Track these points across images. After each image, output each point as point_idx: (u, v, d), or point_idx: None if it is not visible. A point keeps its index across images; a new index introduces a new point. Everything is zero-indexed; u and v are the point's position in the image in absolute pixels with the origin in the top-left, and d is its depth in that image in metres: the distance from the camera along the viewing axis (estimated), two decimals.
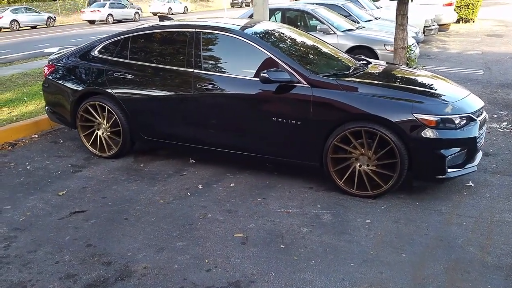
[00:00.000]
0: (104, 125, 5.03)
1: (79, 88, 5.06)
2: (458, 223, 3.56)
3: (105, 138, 5.06)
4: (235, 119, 4.38)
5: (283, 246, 3.24)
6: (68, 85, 5.15)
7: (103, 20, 30.39)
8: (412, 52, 8.86)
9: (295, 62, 4.19)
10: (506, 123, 6.27)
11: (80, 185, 4.41)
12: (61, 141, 5.77)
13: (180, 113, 4.58)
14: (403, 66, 6.80)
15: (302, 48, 4.91)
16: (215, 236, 3.39)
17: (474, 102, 4.20)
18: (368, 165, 3.97)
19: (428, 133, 3.72)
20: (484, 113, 4.28)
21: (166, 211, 3.80)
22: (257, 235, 3.39)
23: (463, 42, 15.16)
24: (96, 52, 5.09)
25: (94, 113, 5.04)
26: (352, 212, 3.75)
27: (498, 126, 6.13)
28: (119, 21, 31.10)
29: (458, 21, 19.81)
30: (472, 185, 4.27)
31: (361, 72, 4.52)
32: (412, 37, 10.33)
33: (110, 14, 30.47)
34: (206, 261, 3.08)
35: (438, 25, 15.63)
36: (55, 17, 31.21)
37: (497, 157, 5.00)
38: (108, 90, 4.87)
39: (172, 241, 3.34)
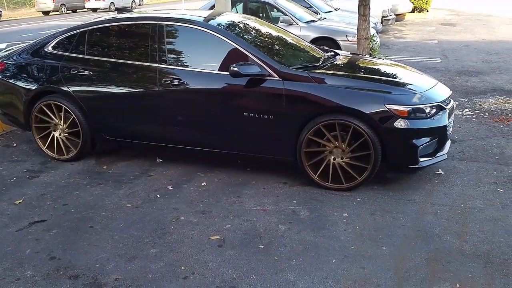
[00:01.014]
0: (61, 126, 4.73)
1: (32, 87, 4.72)
2: (433, 212, 3.56)
3: (62, 140, 4.76)
4: (204, 115, 4.21)
5: (262, 247, 3.13)
6: (20, 84, 4.80)
7: (106, 8, 29.93)
8: (375, 42, 8.94)
9: (265, 54, 4.06)
10: (467, 110, 6.42)
11: (38, 192, 4.12)
12: (15, 145, 5.40)
13: (145, 110, 4.35)
14: (367, 56, 6.83)
15: (270, 40, 4.78)
16: (190, 240, 3.23)
17: (442, 91, 4.22)
18: (342, 158, 3.91)
19: (400, 124, 3.70)
20: (452, 101, 4.31)
21: (135, 216, 3.60)
22: (234, 236, 3.26)
23: (419, 32, 15.53)
24: (50, 48, 4.76)
25: (50, 114, 4.73)
26: (328, 206, 3.69)
27: (460, 113, 6.26)
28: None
29: (413, 11, 20.29)
30: (442, 173, 4.30)
31: (331, 64, 4.45)
32: (372, 27, 10.43)
33: (112, 3, 30.23)
34: (183, 267, 2.92)
35: (394, 15, 15.92)
36: (0, 11, 29.59)
37: (463, 143, 5.08)
38: (64, 88, 4.57)
39: (143, 248, 3.15)
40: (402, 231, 3.29)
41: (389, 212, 3.58)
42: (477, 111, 6.35)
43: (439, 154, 4.01)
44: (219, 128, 4.19)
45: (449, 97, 4.22)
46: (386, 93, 3.78)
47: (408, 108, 3.73)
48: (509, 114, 6.18)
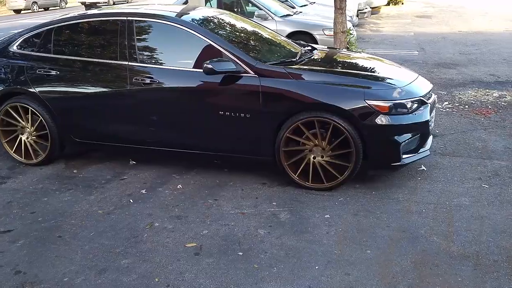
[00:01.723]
0: (28, 129, 4.47)
1: None
2: (418, 211, 3.46)
3: (30, 143, 4.50)
4: (178, 115, 4.02)
5: (241, 254, 2.96)
6: None
7: (105, 2, 28.94)
8: (352, 35, 8.84)
9: (240, 50, 3.88)
10: (447, 103, 6.36)
11: (5, 199, 3.87)
12: None
13: (115, 111, 4.13)
14: (344, 50, 6.71)
15: (245, 35, 4.60)
16: (164, 248, 3.04)
17: (423, 85, 4.12)
18: (322, 157, 3.78)
19: (381, 120, 3.58)
20: (433, 95, 4.22)
21: (107, 223, 3.39)
22: (212, 243, 3.09)
23: (395, 24, 15.55)
24: (15, 47, 4.49)
25: (17, 116, 4.46)
26: (309, 208, 3.55)
27: (440, 106, 6.20)
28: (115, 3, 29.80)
29: (388, 3, 20.35)
30: (425, 169, 4.21)
31: (308, 59, 4.30)
32: (348, 21, 10.34)
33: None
34: (157, 279, 2.74)
35: (370, 8, 15.90)
36: None
37: (444, 138, 5.01)
38: (30, 90, 4.32)
39: (115, 259, 2.95)
40: (386, 232, 3.17)
41: (372, 212, 3.46)
42: (457, 104, 6.30)
43: (421, 150, 3.91)
44: (194, 128, 4.01)
45: (430, 91, 4.12)
46: (366, 88, 3.65)
47: (389, 104, 3.61)
48: (489, 107, 6.15)
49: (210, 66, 3.63)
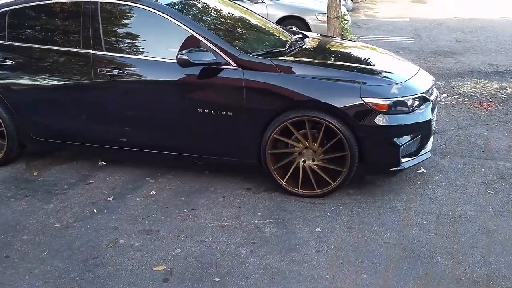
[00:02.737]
0: None
1: None
2: (419, 224, 3.07)
3: None
4: (150, 112, 3.56)
5: (218, 279, 2.55)
6: None
7: None
8: (346, 21, 8.37)
9: (221, 39, 3.42)
10: (445, 95, 5.97)
11: None
12: None
13: (79, 107, 3.67)
14: (338, 38, 6.26)
15: (228, 22, 4.12)
16: (128, 273, 2.61)
17: (425, 79, 3.71)
18: (313, 160, 3.36)
19: (380, 120, 3.17)
20: (435, 90, 3.81)
21: (64, 239, 2.94)
22: (184, 266, 2.66)
23: (390, 9, 15.10)
24: None
25: None
26: (298, 219, 3.14)
27: (438, 98, 5.79)
28: None
29: None
30: (424, 171, 3.82)
31: (298, 49, 3.85)
32: (342, 5, 9.88)
33: None
34: None
35: None
36: None
37: (444, 135, 4.62)
38: None
39: (69, 287, 2.52)
40: (385, 250, 2.78)
41: (368, 224, 3.07)
42: (456, 96, 5.91)
43: (422, 152, 3.51)
44: (169, 127, 3.56)
45: (432, 86, 3.71)
46: (363, 84, 3.22)
47: (389, 102, 3.19)
48: (490, 99, 5.77)
49: (185, 57, 3.17)
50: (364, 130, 3.18)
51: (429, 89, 3.57)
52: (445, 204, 3.31)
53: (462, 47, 9.28)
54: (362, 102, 3.15)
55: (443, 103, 5.65)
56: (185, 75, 3.38)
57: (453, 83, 6.55)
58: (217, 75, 3.33)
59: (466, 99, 5.80)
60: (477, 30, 11.15)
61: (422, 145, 3.47)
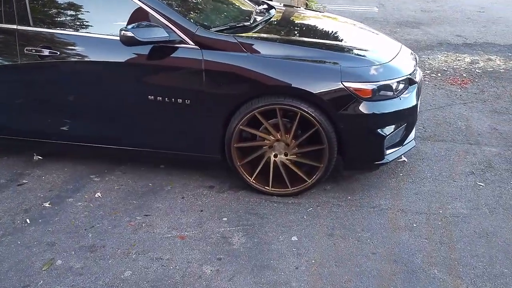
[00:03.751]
0: None
1: None
2: (408, 227, 2.70)
3: None
4: (92, 100, 2.98)
5: None
6: None
7: None
8: None
9: (174, 11, 2.84)
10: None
11: None
12: None
13: (4, 93, 3.02)
14: (303, 9, 5.73)
15: None
16: None
17: (408, 58, 3.29)
18: (286, 155, 2.91)
19: (362, 108, 2.73)
20: (419, 70, 3.41)
21: None
22: None
23: None
24: None
25: None
26: (271, 225, 2.71)
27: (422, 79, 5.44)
28: None
29: None
30: (406, 160, 3.46)
31: (265, 23, 3.32)
32: None
33: None
34: None
35: None
36: None
37: (421, 115, 4.27)
38: None
39: None
40: (373, 264, 2.40)
41: (351, 229, 2.67)
42: (428, 72, 5.59)
43: (406, 141, 3.13)
44: (115, 117, 2.99)
45: (416, 65, 3.31)
46: (342, 66, 2.75)
47: (373, 86, 2.76)
48: (464, 75, 5.48)
49: (130, 33, 2.59)
50: (345, 120, 2.75)
51: (414, 70, 3.17)
52: (434, 201, 2.96)
53: (427, 17, 8.99)
54: (343, 86, 2.70)
55: None
56: (132, 56, 2.80)
57: (423, 56, 6.22)
58: (171, 55, 2.77)
59: (439, 75, 5.49)
60: None
61: (406, 134, 3.08)
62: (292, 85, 2.71)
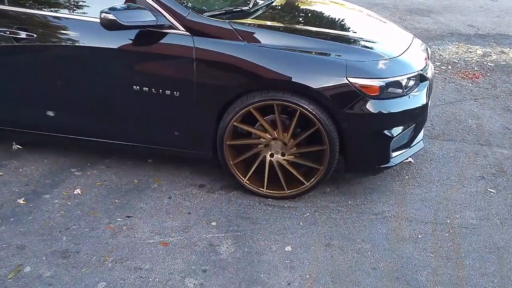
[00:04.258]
0: None
1: None
2: (412, 238, 2.47)
3: None
4: (72, 89, 2.72)
5: None
6: None
7: None
8: None
9: None
10: None
11: None
12: None
13: None
14: None
15: None
16: None
17: (420, 51, 3.02)
18: (283, 154, 2.66)
19: (368, 106, 2.47)
20: (431, 65, 3.13)
21: None
22: None
23: None
24: None
25: None
26: (263, 232, 2.48)
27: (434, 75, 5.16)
28: None
29: None
30: (412, 161, 3.22)
31: (266, 7, 3.04)
32: None
33: None
34: None
35: None
36: None
37: (429, 112, 3.93)
38: None
39: None
40: (373, 281, 2.17)
41: (351, 239, 2.45)
42: (438, 63, 5.30)
43: (414, 142, 2.88)
44: (96, 108, 2.74)
45: (427, 58, 3.03)
46: (348, 59, 2.49)
47: (381, 83, 2.49)
48: (476, 68, 5.20)
49: (111, 16, 2.31)
50: (348, 119, 2.49)
51: (426, 65, 2.90)
52: (441, 209, 2.73)
53: (438, 5, 8.62)
54: (348, 82, 2.44)
55: None
56: (115, 41, 2.53)
57: (434, 46, 5.91)
58: (159, 42, 2.51)
59: (450, 67, 5.21)
60: None
61: (414, 135, 2.83)
62: (293, 80, 2.45)
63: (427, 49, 3.18)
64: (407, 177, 3.05)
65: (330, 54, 2.51)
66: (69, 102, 2.74)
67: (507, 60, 5.51)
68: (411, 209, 2.72)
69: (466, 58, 5.53)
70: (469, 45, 6.06)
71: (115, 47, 2.54)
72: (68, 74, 2.67)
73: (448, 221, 2.62)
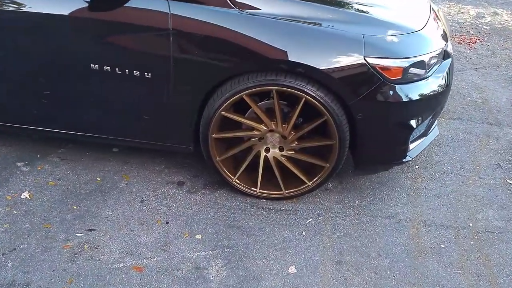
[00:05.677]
0: None
1: None
2: (435, 249, 2.11)
3: None
4: (14, 66, 2.10)
5: None
6: None
7: None
8: None
9: None
10: None
11: None
12: None
13: None
14: None
15: None
16: None
17: (439, 23, 2.53)
18: (282, 149, 2.19)
19: (389, 92, 2.01)
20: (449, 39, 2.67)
21: None
22: None
23: None
24: None
25: None
26: (259, 246, 2.04)
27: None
28: None
29: None
30: None
31: None
32: None
33: None
34: None
35: None
36: None
37: None
38: None
39: None
40: None
41: (364, 253, 2.05)
42: None
43: (430, 130, 2.47)
44: (49, 91, 2.15)
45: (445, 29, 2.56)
46: (365, 35, 1.98)
47: (404, 63, 2.02)
48: (471, 32, 4.78)
49: None
50: (364, 109, 2.02)
51: (446, 39, 2.43)
52: (460, 208, 2.36)
53: None
54: (366, 63, 1.95)
55: None
56: (67, 5, 1.92)
57: None
58: (124, 5, 1.91)
59: None
60: None
61: (432, 123, 2.41)
62: (298, 61, 1.93)
63: (442, 14, 2.70)
64: (417, 166, 2.66)
65: (344, 27, 1.99)
66: (11, 83, 2.13)
67: (502, 22, 5.12)
68: (427, 209, 2.34)
69: (459, 20, 5.10)
70: (460, 5, 5.61)
71: (66, 14, 1.92)
72: (12, 47, 2.04)
73: (470, 224, 2.26)
